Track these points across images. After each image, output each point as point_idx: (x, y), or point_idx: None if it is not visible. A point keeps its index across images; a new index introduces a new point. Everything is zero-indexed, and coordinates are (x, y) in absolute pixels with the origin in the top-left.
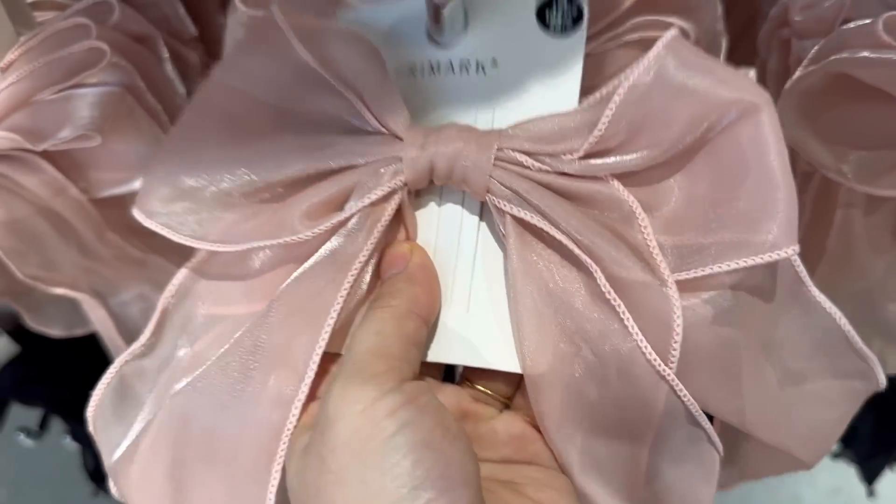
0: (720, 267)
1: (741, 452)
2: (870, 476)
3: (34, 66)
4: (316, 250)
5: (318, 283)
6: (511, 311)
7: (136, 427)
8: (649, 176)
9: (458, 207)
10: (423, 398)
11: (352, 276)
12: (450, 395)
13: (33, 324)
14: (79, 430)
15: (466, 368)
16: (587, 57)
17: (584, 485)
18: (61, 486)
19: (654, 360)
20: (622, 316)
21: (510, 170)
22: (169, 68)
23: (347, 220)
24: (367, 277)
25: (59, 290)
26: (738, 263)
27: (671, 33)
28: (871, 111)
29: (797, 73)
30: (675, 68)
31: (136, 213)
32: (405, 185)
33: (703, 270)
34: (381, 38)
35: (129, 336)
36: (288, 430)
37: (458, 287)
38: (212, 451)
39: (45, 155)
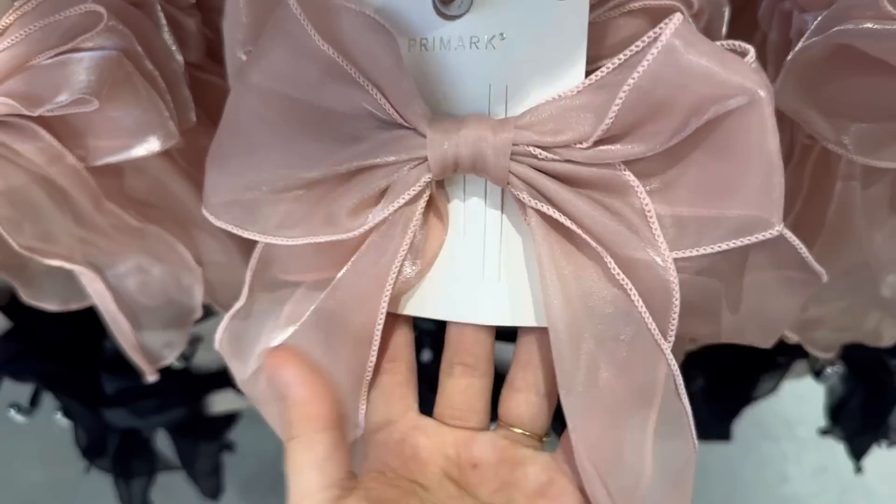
0: (720, 246)
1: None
2: (858, 452)
3: (29, 31)
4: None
5: (369, 267)
6: (542, 288)
7: (252, 362)
8: (654, 157)
9: (482, 191)
10: None
11: (397, 264)
12: (487, 442)
13: (29, 298)
14: (71, 405)
15: (500, 413)
16: (592, 25)
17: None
18: (52, 464)
19: (657, 334)
20: (631, 295)
21: (525, 163)
22: (166, 35)
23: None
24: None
25: (56, 262)
26: (736, 242)
27: (678, 18)
28: (872, 83)
29: (799, 45)
30: (684, 53)
31: (207, 214)
32: (432, 179)
33: (707, 248)
34: (385, 8)
35: (128, 309)
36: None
37: (489, 261)
38: None
39: (42, 121)
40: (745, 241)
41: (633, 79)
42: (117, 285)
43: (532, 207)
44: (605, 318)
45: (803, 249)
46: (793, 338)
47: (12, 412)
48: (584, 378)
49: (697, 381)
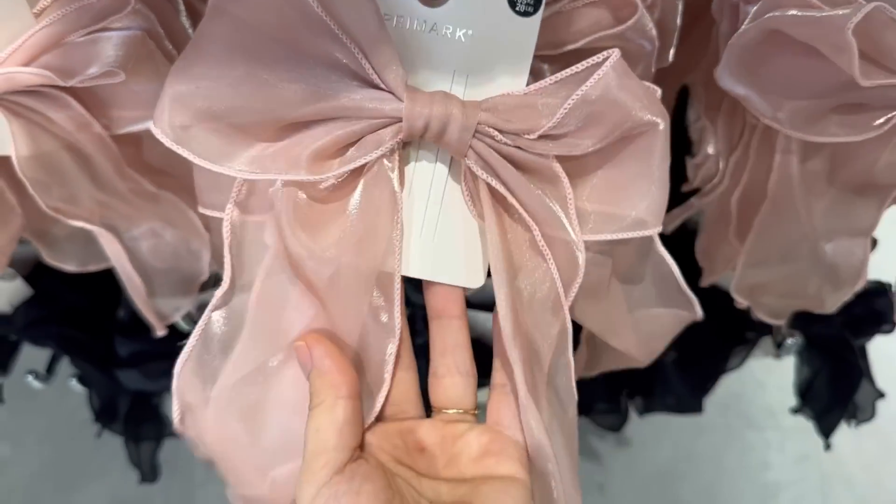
0: (611, 235)
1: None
2: (826, 430)
3: (65, 12)
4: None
5: (370, 218)
6: (487, 249)
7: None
8: (580, 159)
9: (434, 156)
10: (344, 486)
11: (398, 214)
12: (427, 427)
13: (50, 259)
14: (86, 369)
15: (431, 399)
16: (558, 14)
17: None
18: (62, 440)
19: (562, 295)
20: (549, 262)
21: (484, 141)
22: (184, 18)
23: (363, 167)
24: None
25: (78, 223)
26: (622, 235)
27: (616, 55)
28: (801, 64)
29: (738, 31)
30: (615, 86)
31: (155, 131)
32: (401, 140)
33: (602, 236)
34: None
35: (142, 269)
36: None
37: (429, 220)
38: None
39: (73, 92)
40: (631, 235)
41: (582, 91)
42: (132, 247)
43: (483, 179)
44: (530, 277)
45: (676, 271)
46: (743, 302)
47: (30, 378)
48: (515, 322)
49: (670, 354)
